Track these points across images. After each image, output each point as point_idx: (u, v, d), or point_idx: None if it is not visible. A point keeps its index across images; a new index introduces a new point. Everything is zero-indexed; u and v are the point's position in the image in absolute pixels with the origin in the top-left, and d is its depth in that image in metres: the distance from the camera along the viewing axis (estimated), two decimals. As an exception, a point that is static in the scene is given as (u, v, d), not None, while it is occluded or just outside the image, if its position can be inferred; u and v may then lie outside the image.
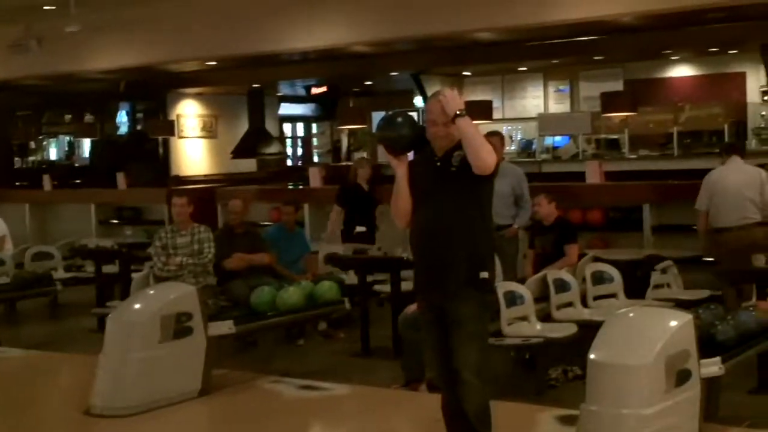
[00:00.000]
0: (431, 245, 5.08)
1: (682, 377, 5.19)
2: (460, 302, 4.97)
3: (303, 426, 6.64)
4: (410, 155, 5.24)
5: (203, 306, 7.19)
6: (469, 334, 4.99)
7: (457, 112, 4.90)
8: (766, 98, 14.24)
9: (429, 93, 16.71)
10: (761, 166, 9.37)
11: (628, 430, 5.00)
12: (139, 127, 20.58)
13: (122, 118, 21.13)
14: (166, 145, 19.32)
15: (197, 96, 19.77)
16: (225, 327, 7.42)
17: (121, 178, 15.36)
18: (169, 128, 18.34)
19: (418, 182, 5.12)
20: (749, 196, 8.81)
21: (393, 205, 5.19)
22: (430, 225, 5.08)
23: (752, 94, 14.93)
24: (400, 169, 5.11)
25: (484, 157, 4.86)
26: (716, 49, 14.32)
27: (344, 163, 21.70)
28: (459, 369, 4.98)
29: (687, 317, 5.42)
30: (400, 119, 5.15)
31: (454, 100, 4.95)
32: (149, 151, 19.46)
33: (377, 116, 22.43)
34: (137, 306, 7.13)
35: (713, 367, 5.57)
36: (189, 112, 19.81)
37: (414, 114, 22.38)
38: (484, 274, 5.02)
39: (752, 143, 14.53)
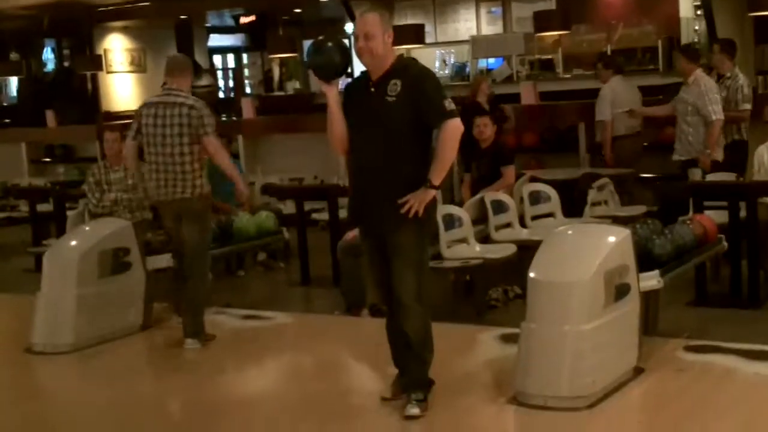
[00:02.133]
0: (368, 175, 5.05)
1: (621, 292, 5.25)
2: (399, 230, 4.96)
3: (247, 355, 6.63)
4: (342, 81, 5.18)
5: (140, 240, 7.11)
6: (408, 261, 5.00)
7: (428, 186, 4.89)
8: (699, 12, 14.26)
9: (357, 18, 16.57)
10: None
11: (569, 345, 5.05)
12: (66, 64, 20.17)
13: (48, 55, 20.68)
14: (95, 81, 18.95)
15: (124, 30, 19.37)
16: (163, 261, 7.35)
17: (50, 116, 15.10)
18: (97, 64, 18.00)
19: (353, 110, 5.06)
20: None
21: (328, 132, 5.13)
22: (366, 155, 5.04)
23: (685, 9, 14.94)
24: (332, 96, 5.05)
25: (456, 143, 4.92)
26: (648, -37, 14.32)
27: (276, 93, 21.52)
28: (399, 295, 5.01)
29: (624, 232, 5.46)
30: (329, 44, 5.08)
31: (422, 199, 4.88)
32: (78, 88, 19.10)
33: (308, 45, 22.24)
34: (73, 243, 7.07)
35: (651, 280, 5.64)
36: (116, 47, 19.42)
37: (345, 40, 22.20)
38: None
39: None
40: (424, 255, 5.18)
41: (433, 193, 4.94)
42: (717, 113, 8.54)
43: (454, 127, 4.90)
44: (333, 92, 5.05)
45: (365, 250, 5.28)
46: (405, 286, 5.00)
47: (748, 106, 9.01)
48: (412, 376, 5.16)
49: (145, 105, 6.91)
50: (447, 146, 4.91)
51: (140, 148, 6.94)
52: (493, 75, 16.56)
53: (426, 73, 5.11)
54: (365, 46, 4.94)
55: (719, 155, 8.70)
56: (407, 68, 5.05)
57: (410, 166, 4.95)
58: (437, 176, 4.91)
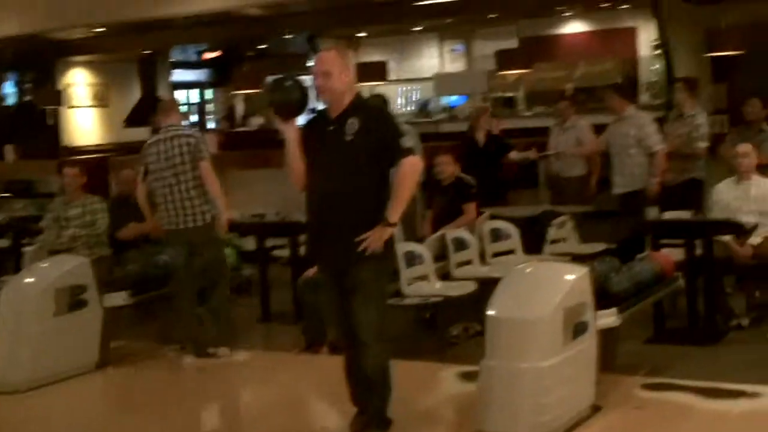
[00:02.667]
0: (326, 212, 5.06)
1: (579, 329, 5.27)
2: (358, 267, 4.97)
3: (205, 393, 6.58)
4: (300, 119, 5.19)
5: (98, 277, 7.06)
6: (367, 298, 5.00)
7: (388, 225, 4.92)
8: (657, 52, 14.45)
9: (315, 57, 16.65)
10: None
11: (527, 383, 5.05)
12: (27, 98, 20.04)
13: (10, 88, 20.56)
14: (56, 115, 18.85)
15: (87, 64, 19.30)
16: (120, 298, 7.29)
17: (10, 151, 14.98)
18: (59, 98, 17.90)
19: (312, 147, 5.08)
20: None
21: (287, 169, 5.14)
22: (326, 191, 5.05)
23: (644, 48, 15.14)
24: (290, 134, 5.06)
25: (415, 180, 5.02)
26: (608, 4, 14.48)
27: (240, 129, 21.50)
28: (358, 332, 5.00)
29: (583, 270, 5.49)
30: (289, 83, 5.11)
31: (381, 238, 4.91)
32: (39, 122, 18.96)
33: (271, 80, 22.25)
34: (30, 279, 7.01)
35: (609, 318, 5.66)
36: (79, 81, 19.34)
37: (306, 77, 22.24)
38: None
39: (645, 97, 14.77)
40: (383, 291, 5.19)
41: (391, 230, 4.95)
42: (659, 143, 8.97)
43: (411, 164, 4.94)
44: (291, 130, 5.07)
45: (323, 286, 5.28)
46: (364, 323, 5.00)
47: (704, 144, 9.23)
48: (371, 414, 5.14)
49: (149, 145, 7.46)
50: (404, 184, 4.94)
51: None
52: (455, 112, 16.68)
53: (383, 112, 5.20)
54: (323, 84, 4.97)
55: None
56: (365, 107, 5.09)
57: (368, 202, 4.97)
58: (395, 213, 4.92)
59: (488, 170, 10.25)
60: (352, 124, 4.95)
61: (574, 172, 10.10)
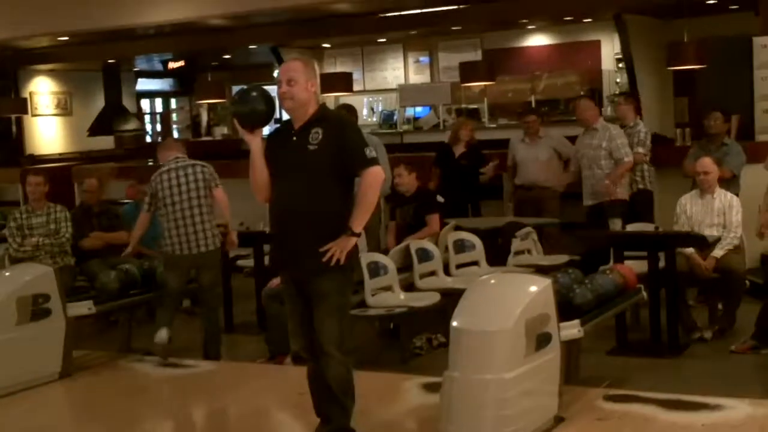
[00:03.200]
0: (290, 222, 5.05)
1: (542, 341, 5.29)
2: (322, 277, 4.97)
3: (168, 403, 6.56)
4: (265, 130, 5.18)
5: (61, 286, 7.02)
6: (330, 308, 5.01)
7: (351, 235, 4.92)
8: (620, 65, 14.56)
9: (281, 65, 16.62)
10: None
11: (490, 394, 5.07)
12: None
13: (-28, 96, 20.39)
14: (19, 123, 18.72)
15: (50, 73, 19.19)
16: (84, 307, 7.26)
17: (-29, 159, 14.86)
18: (22, 106, 17.76)
19: (275, 157, 5.07)
20: None
21: (251, 180, 5.14)
22: (288, 202, 5.04)
23: (607, 61, 15.24)
24: (254, 145, 5.05)
25: (377, 191, 5.02)
26: (571, 18, 14.58)
27: (204, 138, 21.44)
28: (321, 342, 5.01)
29: (546, 282, 5.51)
30: (253, 94, 5.08)
31: (345, 247, 4.92)
32: (1, 131, 18.83)
33: (237, 90, 22.22)
34: (-9, 288, 6.92)
35: (572, 329, 5.69)
36: (42, 90, 19.23)
37: (270, 87, 22.21)
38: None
39: (608, 110, 14.88)
40: (346, 302, 5.19)
41: (354, 240, 4.96)
42: (629, 155, 9.15)
43: (375, 174, 4.95)
44: (256, 141, 5.06)
45: (286, 296, 5.27)
46: (327, 334, 5.01)
47: (641, 150, 9.46)
48: (334, 425, 5.14)
49: (160, 174, 7.64)
50: (367, 194, 4.95)
51: None
52: (420, 123, 16.73)
53: (346, 122, 5.21)
54: (287, 91, 4.97)
55: (625, 194, 9.21)
56: (328, 117, 5.10)
57: (332, 212, 4.97)
58: (358, 223, 4.94)
59: (465, 182, 10.35)
60: (316, 134, 4.96)
61: (553, 181, 10.08)
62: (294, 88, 4.97)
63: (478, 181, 10.45)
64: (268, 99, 5.08)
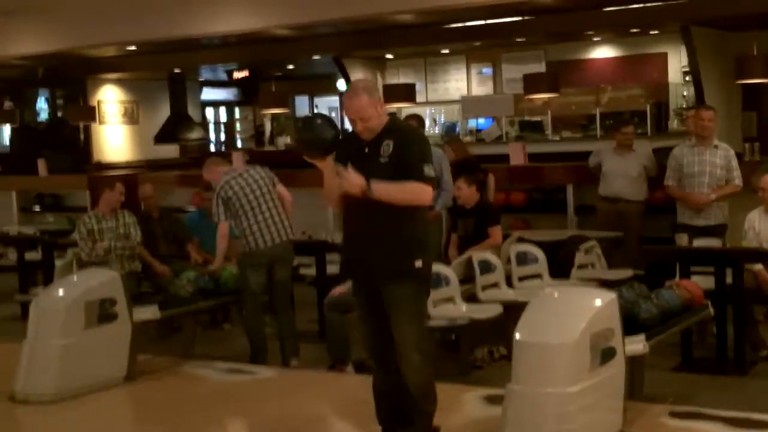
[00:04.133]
0: (362, 232, 5.08)
1: (606, 355, 5.24)
2: (395, 284, 5.00)
3: (229, 409, 6.59)
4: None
5: (128, 291, 7.11)
6: (407, 314, 5.04)
7: (366, 191, 4.88)
8: (687, 78, 14.40)
9: (351, 76, 16.67)
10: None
11: (553, 408, 5.04)
12: (59, 114, 20.23)
13: (42, 104, 20.75)
14: (87, 131, 19.01)
15: (118, 82, 19.47)
16: (149, 312, 7.35)
17: (41, 165, 15.12)
18: (90, 114, 18.05)
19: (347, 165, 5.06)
20: None
21: (325, 192, 5.16)
22: (360, 211, 5.05)
23: (674, 74, 15.10)
24: (325, 168, 5.04)
25: (417, 203, 4.96)
26: (637, 30, 14.47)
27: (267, 148, 21.58)
28: (401, 348, 5.03)
29: (611, 296, 5.47)
30: (318, 121, 5.07)
31: (351, 183, 4.89)
32: (70, 138, 19.14)
33: (300, 100, 22.36)
34: (60, 292, 7.05)
35: (637, 345, 5.65)
36: (110, 98, 19.50)
37: (332, 99, 22.31)
38: (418, 263, 5.03)
39: (674, 123, 14.73)
40: (422, 308, 5.21)
41: (362, 184, 4.87)
42: (740, 178, 8.81)
43: (423, 190, 4.94)
44: (325, 164, 5.05)
45: (357, 305, 5.28)
46: (406, 340, 5.03)
47: None
48: (416, 429, 5.16)
49: (227, 182, 7.87)
50: (405, 189, 4.91)
51: None
52: (482, 135, 16.69)
53: (415, 135, 5.21)
54: (363, 127, 5.00)
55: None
56: (398, 128, 5.12)
57: (402, 221, 4.99)
58: (380, 188, 4.88)
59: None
60: (387, 146, 4.97)
61: (640, 196, 9.93)
62: (369, 123, 4.99)
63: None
64: (332, 125, 5.05)
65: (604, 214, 10.01)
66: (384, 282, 5.02)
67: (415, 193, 4.93)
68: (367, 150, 5.00)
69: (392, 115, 5.22)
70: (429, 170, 4.95)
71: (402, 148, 4.97)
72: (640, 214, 9.88)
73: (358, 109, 5.00)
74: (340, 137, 5.09)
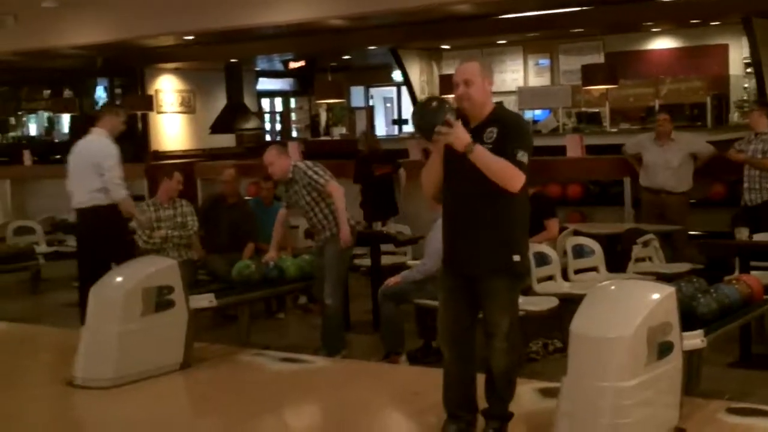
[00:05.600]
0: (464, 221, 5.09)
1: (663, 350, 5.18)
2: (495, 276, 5.03)
3: (283, 399, 6.62)
4: None
5: (185, 279, 7.16)
6: (502, 304, 5.09)
7: (468, 148, 4.84)
8: (749, 70, 14.19)
9: (407, 67, 16.67)
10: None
11: (609, 402, 4.99)
12: (117, 103, 20.45)
13: (100, 93, 21.01)
14: (145, 120, 19.21)
15: (175, 71, 19.66)
16: (206, 300, 7.40)
17: (100, 154, 15.22)
18: (148, 103, 18.24)
19: (450, 156, 5.04)
20: None
21: (424, 177, 5.18)
22: (463, 201, 5.07)
23: (735, 66, 14.91)
24: (438, 151, 5.05)
25: (508, 185, 4.90)
26: (698, 21, 14.30)
27: (323, 138, 21.66)
28: (492, 336, 5.09)
29: (669, 290, 5.40)
30: (433, 104, 5.00)
31: (458, 137, 4.85)
32: (127, 127, 19.31)
33: (355, 90, 22.39)
34: (118, 279, 7.08)
35: (695, 339, 5.59)
36: (167, 88, 19.69)
37: (388, 89, 22.29)
38: (516, 258, 5.04)
39: (734, 116, 14.54)
40: (516, 299, 5.24)
41: (467, 141, 4.85)
42: None
43: (514, 172, 4.89)
44: (439, 147, 5.03)
45: (444, 290, 5.27)
46: (498, 328, 5.07)
47: None
48: (493, 412, 5.23)
49: (290, 179, 7.94)
50: (500, 165, 4.87)
51: None
52: (539, 126, 16.60)
53: (519, 122, 5.25)
54: (465, 93, 4.98)
55: None
56: (504, 116, 5.10)
57: (504, 211, 5.00)
58: (480, 153, 4.85)
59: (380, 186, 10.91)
60: (491, 133, 4.96)
61: (682, 187, 9.85)
62: (471, 89, 4.98)
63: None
64: (448, 108, 5.01)
65: (647, 206, 9.97)
66: (482, 274, 5.05)
67: (506, 171, 4.88)
68: (471, 136, 4.97)
69: (499, 104, 5.20)
70: (523, 156, 4.92)
71: (505, 134, 4.96)
72: (683, 206, 9.79)
73: (465, 70, 5.02)
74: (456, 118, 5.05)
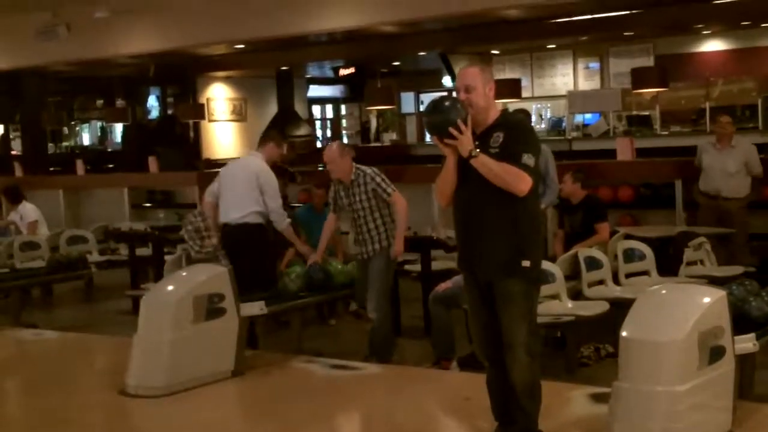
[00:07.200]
0: (476, 225, 5.07)
1: (715, 354, 5.15)
2: (508, 280, 4.99)
3: (334, 406, 6.65)
4: None
5: (236, 287, 7.21)
6: (518, 312, 5.02)
7: (471, 153, 4.87)
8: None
9: (457, 72, 16.64)
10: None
11: (661, 407, 4.97)
12: (169, 112, 20.68)
13: (153, 102, 21.23)
14: (197, 128, 19.39)
15: (226, 79, 19.81)
16: (257, 308, 7.44)
17: (152, 162, 15.44)
18: (199, 112, 18.39)
19: (459, 161, 5.03)
20: None
21: (438, 185, 5.16)
22: (473, 205, 5.06)
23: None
24: (451, 157, 5.03)
25: (514, 188, 4.88)
26: (748, 22, 14.15)
27: (373, 144, 21.71)
28: (509, 345, 5.02)
29: (720, 293, 5.37)
30: (446, 103, 5.01)
31: (462, 142, 4.87)
32: (180, 135, 19.54)
33: (405, 96, 22.44)
34: (170, 287, 7.15)
35: (747, 343, 5.53)
36: (218, 96, 19.85)
37: (439, 94, 22.31)
38: (526, 263, 5.00)
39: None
40: (532, 305, 5.17)
41: (470, 147, 4.87)
42: None
43: (519, 175, 4.87)
44: (451, 150, 5.03)
45: (469, 299, 5.28)
46: (514, 337, 5.01)
47: None
48: (518, 427, 5.15)
49: (342, 190, 8.01)
50: (504, 170, 4.86)
51: None
52: (589, 130, 16.52)
53: (525, 126, 5.24)
54: (466, 99, 4.99)
55: None
56: (509, 121, 5.10)
57: (516, 215, 4.98)
58: (485, 158, 4.86)
59: None
60: (497, 137, 4.96)
61: (740, 193, 9.75)
62: (472, 95, 4.99)
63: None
64: (460, 108, 5.01)
65: (704, 210, 9.87)
66: (494, 277, 5.01)
67: (510, 175, 4.86)
68: (477, 143, 4.98)
69: (504, 110, 5.20)
70: (529, 159, 4.89)
71: (510, 137, 4.96)
72: (741, 211, 9.67)
73: (466, 75, 5.03)
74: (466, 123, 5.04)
